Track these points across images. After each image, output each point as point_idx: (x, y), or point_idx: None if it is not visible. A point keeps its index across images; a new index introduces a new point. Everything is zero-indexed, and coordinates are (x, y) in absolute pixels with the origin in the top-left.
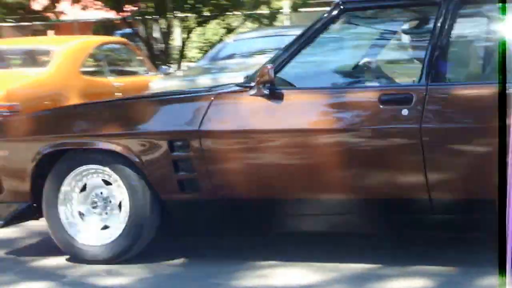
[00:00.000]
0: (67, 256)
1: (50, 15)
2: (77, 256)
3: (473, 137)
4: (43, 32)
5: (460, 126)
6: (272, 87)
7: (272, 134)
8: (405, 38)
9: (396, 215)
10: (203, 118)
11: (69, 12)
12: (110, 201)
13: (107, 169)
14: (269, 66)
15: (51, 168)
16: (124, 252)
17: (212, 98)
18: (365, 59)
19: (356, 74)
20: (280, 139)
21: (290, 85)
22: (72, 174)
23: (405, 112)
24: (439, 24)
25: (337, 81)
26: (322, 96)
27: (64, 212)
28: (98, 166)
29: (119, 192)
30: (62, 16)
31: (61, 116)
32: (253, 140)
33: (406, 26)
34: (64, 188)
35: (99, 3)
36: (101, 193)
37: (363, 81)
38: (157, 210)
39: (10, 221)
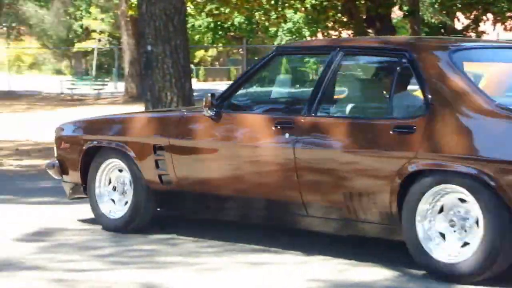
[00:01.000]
0: None
1: (471, 34)
2: None
3: (331, 157)
4: None
5: (321, 149)
6: (214, 110)
7: (211, 145)
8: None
9: (285, 213)
10: (173, 130)
11: (490, 31)
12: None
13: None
14: (209, 94)
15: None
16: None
17: (183, 116)
18: (278, 92)
19: (269, 103)
20: (216, 149)
21: (240, 108)
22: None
23: (286, 135)
24: (324, 69)
25: (257, 107)
26: (245, 118)
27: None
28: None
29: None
30: (484, 35)
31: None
32: (202, 149)
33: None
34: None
35: None
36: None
37: (272, 109)
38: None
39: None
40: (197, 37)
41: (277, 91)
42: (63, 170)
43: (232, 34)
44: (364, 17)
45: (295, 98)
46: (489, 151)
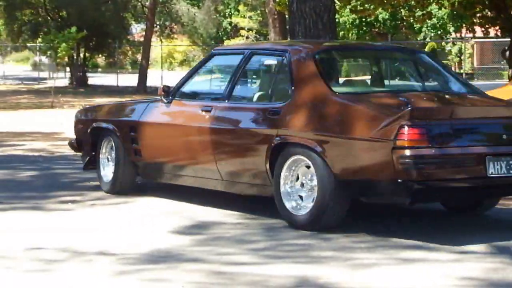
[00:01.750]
0: None
1: None
2: None
3: (234, 135)
4: None
5: (224, 128)
6: (167, 98)
7: (164, 126)
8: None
9: (208, 177)
10: (142, 114)
11: None
12: None
13: None
14: (162, 85)
15: None
16: None
17: (150, 102)
18: (210, 84)
19: (204, 93)
20: (168, 129)
21: (185, 97)
22: None
23: (206, 117)
24: (237, 65)
25: (195, 97)
26: (186, 105)
27: None
28: None
29: None
30: None
31: None
32: (157, 129)
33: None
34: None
35: None
36: None
37: (203, 97)
38: None
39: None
40: (341, 33)
41: (210, 83)
42: (79, 147)
43: (376, 30)
44: None
45: (219, 89)
46: (322, 128)
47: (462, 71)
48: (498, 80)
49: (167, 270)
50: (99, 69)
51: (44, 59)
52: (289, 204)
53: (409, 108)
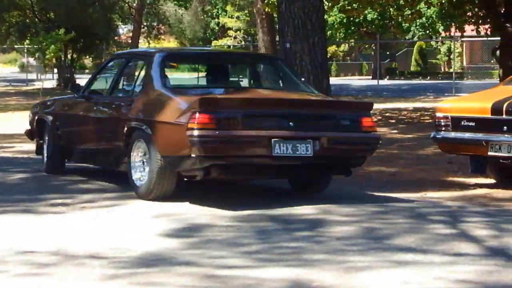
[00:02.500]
0: None
1: None
2: None
3: (107, 122)
4: None
5: (99, 116)
6: (77, 94)
7: (70, 116)
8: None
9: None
10: (61, 107)
11: None
12: None
13: None
14: (70, 84)
15: None
16: None
17: (68, 97)
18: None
19: (99, 90)
20: (73, 118)
21: (91, 93)
22: None
23: (94, 108)
24: (120, 67)
25: (95, 93)
26: (88, 99)
27: None
28: None
29: None
30: None
31: None
32: (67, 118)
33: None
34: None
35: None
36: None
37: (99, 93)
38: None
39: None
40: (329, 32)
41: (106, 82)
42: (32, 135)
43: (364, 29)
44: (503, 10)
45: (109, 87)
46: (151, 114)
47: (451, 70)
48: (488, 80)
49: (159, 274)
50: (87, 70)
51: (32, 60)
52: (135, 176)
53: (199, 98)
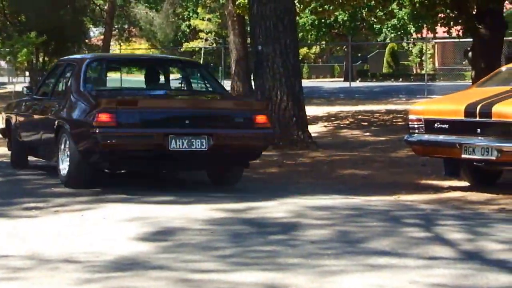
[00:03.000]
0: None
1: None
2: None
3: (46, 121)
4: None
5: (44, 116)
6: (30, 96)
7: (23, 116)
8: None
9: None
10: (18, 107)
11: None
12: None
13: None
14: (24, 87)
15: None
16: None
17: (25, 99)
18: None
19: (46, 92)
20: (25, 118)
21: (41, 95)
22: None
23: (38, 108)
24: (59, 71)
25: (43, 95)
26: (37, 101)
27: None
28: None
29: None
30: None
31: None
32: (21, 117)
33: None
34: None
35: None
36: None
37: (46, 95)
38: None
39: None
40: (301, 34)
41: (52, 86)
42: (4, 134)
43: (335, 31)
44: (475, 12)
45: (50, 89)
46: (70, 112)
47: (423, 72)
48: (460, 81)
49: (133, 278)
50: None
51: (4, 64)
52: (61, 166)
53: (99, 100)
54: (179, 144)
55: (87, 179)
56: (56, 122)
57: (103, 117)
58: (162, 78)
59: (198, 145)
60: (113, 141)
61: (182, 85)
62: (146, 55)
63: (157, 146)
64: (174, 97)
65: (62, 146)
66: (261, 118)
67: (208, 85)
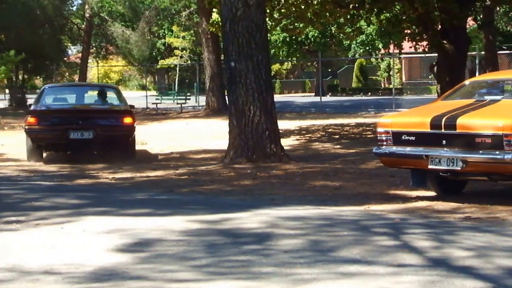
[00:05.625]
0: None
1: None
2: None
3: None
4: None
5: None
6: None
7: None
8: None
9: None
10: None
11: None
12: None
13: None
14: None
15: None
16: None
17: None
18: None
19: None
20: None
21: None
22: None
23: None
24: (42, 93)
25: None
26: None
27: None
28: None
29: None
30: None
31: None
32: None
33: None
34: None
35: None
36: None
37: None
38: None
39: None
40: (273, 51)
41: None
42: None
43: (306, 47)
44: (439, 28)
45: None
46: (29, 122)
47: (391, 86)
48: (427, 95)
49: None
50: (38, 90)
51: None
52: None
53: (28, 110)
54: (76, 135)
55: (40, 157)
56: (25, 126)
57: (31, 119)
58: (88, 96)
59: (86, 135)
60: (36, 134)
61: (97, 101)
62: (84, 83)
63: (63, 136)
64: (74, 108)
65: (26, 140)
66: (127, 118)
67: (114, 100)
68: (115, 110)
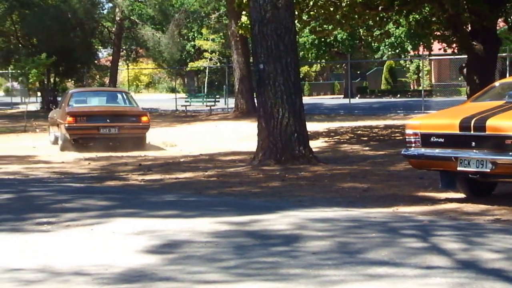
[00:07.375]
0: None
1: None
2: None
3: None
4: None
5: None
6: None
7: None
8: None
9: None
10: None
11: None
12: None
13: None
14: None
15: None
16: None
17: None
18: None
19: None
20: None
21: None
22: None
23: None
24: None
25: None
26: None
27: None
28: None
29: None
30: None
31: None
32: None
33: None
34: None
35: None
36: None
37: None
38: None
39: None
40: (301, 53)
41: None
42: None
43: (335, 49)
44: (469, 30)
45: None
46: (63, 117)
47: (420, 88)
48: (456, 97)
49: None
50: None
51: (16, 85)
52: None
53: (67, 111)
54: (105, 131)
55: (70, 147)
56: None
57: (70, 118)
58: (108, 99)
59: (113, 131)
60: (74, 131)
61: (116, 103)
62: (101, 88)
63: (95, 132)
64: (102, 109)
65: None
66: (144, 118)
67: (127, 103)
68: (134, 111)
